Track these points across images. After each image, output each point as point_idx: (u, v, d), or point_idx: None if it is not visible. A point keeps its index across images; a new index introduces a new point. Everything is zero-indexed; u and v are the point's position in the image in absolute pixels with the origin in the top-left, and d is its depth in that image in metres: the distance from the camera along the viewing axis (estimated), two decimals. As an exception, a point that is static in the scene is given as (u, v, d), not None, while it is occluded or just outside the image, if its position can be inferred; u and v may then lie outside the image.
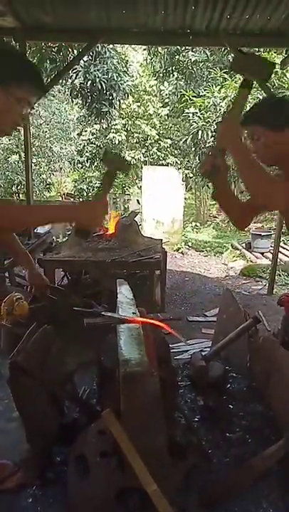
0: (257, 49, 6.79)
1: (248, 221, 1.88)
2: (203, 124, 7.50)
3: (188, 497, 1.42)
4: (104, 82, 6.94)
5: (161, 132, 11.68)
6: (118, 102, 7.60)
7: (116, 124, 10.65)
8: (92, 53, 6.62)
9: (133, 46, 9.58)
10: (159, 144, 11.52)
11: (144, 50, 10.01)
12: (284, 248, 7.11)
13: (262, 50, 6.88)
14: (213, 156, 1.61)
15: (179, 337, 1.74)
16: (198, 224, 10.35)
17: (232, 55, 5.66)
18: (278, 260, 5.12)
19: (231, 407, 2.09)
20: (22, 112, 1.35)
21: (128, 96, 8.22)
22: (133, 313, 1.68)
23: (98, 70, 6.85)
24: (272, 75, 1.63)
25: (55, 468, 1.69)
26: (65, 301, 2.24)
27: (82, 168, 12.18)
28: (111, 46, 6.91)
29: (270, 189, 1.45)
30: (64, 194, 12.67)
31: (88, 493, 1.42)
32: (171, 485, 1.37)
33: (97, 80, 6.86)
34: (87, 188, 12.01)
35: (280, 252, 5.96)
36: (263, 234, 7.32)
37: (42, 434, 1.67)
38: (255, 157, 1.60)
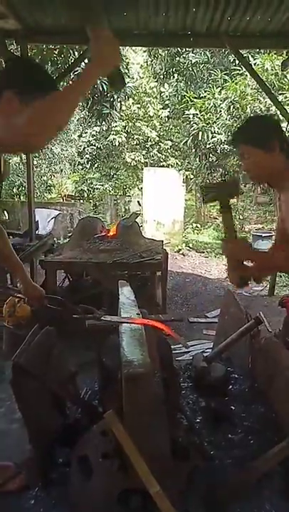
0: (258, 50, 6.82)
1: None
2: (203, 126, 7.51)
3: (191, 498, 1.42)
4: (105, 83, 6.95)
5: (161, 134, 11.70)
6: (119, 104, 7.61)
7: (116, 126, 10.67)
8: (93, 55, 6.63)
9: (133, 48, 9.59)
10: (160, 145, 11.54)
11: (145, 51, 10.04)
12: (285, 249, 7.11)
13: (262, 51, 6.90)
14: (234, 269, 1.72)
15: (178, 339, 1.73)
16: (198, 225, 10.35)
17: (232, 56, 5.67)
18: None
19: (233, 408, 2.09)
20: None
21: (129, 98, 8.23)
22: (137, 314, 1.68)
23: (99, 72, 6.86)
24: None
25: (57, 470, 1.68)
26: (64, 309, 2.24)
27: (82, 169, 12.20)
28: (112, 48, 6.93)
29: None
30: (65, 196, 12.68)
31: (91, 494, 1.42)
32: (174, 486, 1.37)
33: (98, 81, 6.87)
34: (87, 189, 12.03)
35: (281, 253, 5.95)
36: (263, 235, 7.32)
37: (44, 435, 1.66)
38: (247, 175, 1.73)
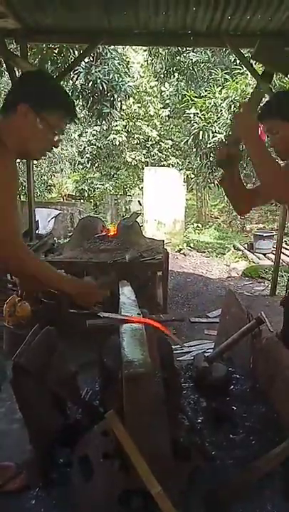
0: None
1: (249, 208, 1.93)
2: (204, 125, 7.50)
3: (192, 499, 1.41)
4: (105, 83, 6.93)
5: (162, 133, 11.69)
6: (119, 103, 7.60)
7: (117, 125, 10.66)
8: (93, 54, 6.62)
9: (134, 47, 9.58)
10: (160, 144, 11.53)
11: (145, 51, 10.02)
12: (286, 249, 7.10)
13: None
14: (229, 145, 1.65)
15: (175, 339, 1.73)
16: (199, 225, 10.34)
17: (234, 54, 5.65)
18: (280, 261, 5.11)
19: (234, 408, 2.08)
20: (54, 138, 1.37)
21: (129, 97, 8.22)
22: (138, 314, 1.68)
23: (99, 71, 6.85)
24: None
25: (58, 470, 1.68)
26: (59, 303, 2.23)
27: (83, 169, 12.20)
28: (112, 47, 6.91)
29: (280, 178, 1.50)
30: (65, 195, 12.69)
31: (92, 494, 1.41)
32: (175, 486, 1.37)
33: (99, 81, 6.86)
34: (88, 189, 12.02)
35: (283, 253, 5.95)
36: (265, 235, 7.31)
37: (45, 435, 1.66)
38: (273, 150, 1.65)
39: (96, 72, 6.84)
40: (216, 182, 8.27)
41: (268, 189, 1.65)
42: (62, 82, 4.69)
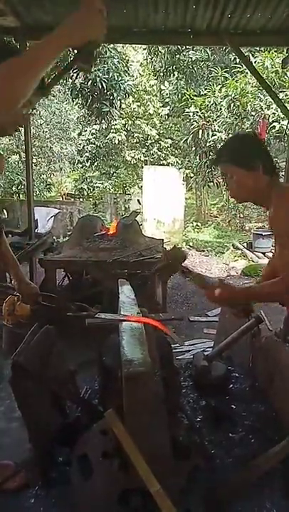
0: (258, 47, 6.79)
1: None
2: (203, 124, 7.50)
3: (191, 497, 1.41)
4: (104, 81, 6.93)
5: (161, 132, 11.68)
6: (119, 102, 7.59)
7: (116, 124, 10.65)
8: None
9: (133, 46, 9.57)
10: (160, 143, 11.52)
11: (145, 49, 10.01)
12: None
13: (263, 49, 6.88)
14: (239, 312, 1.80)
15: (174, 338, 1.73)
16: (199, 224, 10.34)
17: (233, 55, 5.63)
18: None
19: (234, 407, 2.08)
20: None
21: (128, 95, 8.22)
22: (137, 313, 1.67)
23: (99, 70, 6.84)
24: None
25: (57, 469, 1.68)
26: (58, 307, 2.23)
27: (82, 168, 12.19)
28: (111, 46, 6.90)
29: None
30: (64, 194, 12.67)
31: (91, 493, 1.41)
32: (175, 485, 1.37)
33: (98, 79, 6.86)
34: (87, 188, 12.01)
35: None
36: (264, 234, 7.30)
37: (44, 434, 1.66)
38: (230, 194, 1.71)
39: (95, 70, 6.83)
40: (215, 181, 8.27)
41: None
42: (61, 81, 4.68)
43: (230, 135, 6.79)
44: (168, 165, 10.91)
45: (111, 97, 7.27)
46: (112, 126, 10.69)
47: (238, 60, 7.10)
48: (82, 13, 1.09)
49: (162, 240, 4.35)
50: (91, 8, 1.10)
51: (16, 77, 1.00)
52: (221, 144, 1.66)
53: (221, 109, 7.38)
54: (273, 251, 2.09)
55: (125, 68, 7.87)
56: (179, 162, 10.68)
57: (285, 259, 1.55)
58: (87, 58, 1.17)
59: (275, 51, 6.77)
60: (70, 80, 7.12)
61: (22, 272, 1.99)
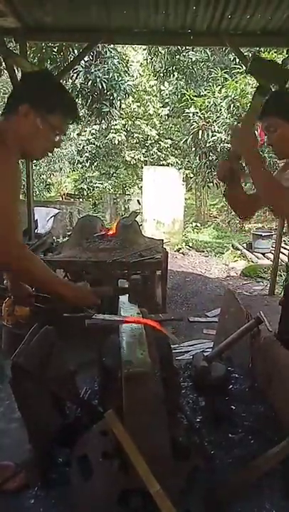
0: (257, 49, 6.80)
1: (252, 214, 1.96)
2: (203, 124, 7.50)
3: (191, 498, 1.41)
4: (104, 82, 6.93)
5: (161, 132, 11.69)
6: (119, 102, 7.59)
7: (116, 124, 10.65)
8: (93, 53, 6.62)
9: (133, 46, 9.57)
10: (160, 144, 11.53)
11: (145, 49, 10.01)
12: (285, 248, 7.10)
13: (263, 50, 6.88)
14: (230, 159, 1.66)
15: (171, 337, 1.73)
16: (198, 224, 10.35)
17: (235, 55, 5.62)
18: (279, 260, 5.11)
19: (233, 407, 2.08)
20: (55, 139, 1.38)
21: (128, 96, 8.22)
22: (137, 313, 1.68)
23: (99, 70, 6.84)
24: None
25: (57, 469, 1.68)
26: (53, 308, 2.23)
27: (82, 168, 12.20)
28: (112, 46, 6.90)
29: (278, 195, 1.50)
30: (64, 194, 12.67)
31: (91, 494, 1.41)
32: (174, 486, 1.37)
33: (98, 79, 6.85)
34: (87, 188, 12.02)
35: (281, 253, 5.96)
36: (263, 234, 7.31)
37: (44, 434, 1.66)
38: (271, 149, 1.67)
39: (95, 71, 6.84)
40: (214, 181, 8.27)
41: (267, 203, 1.70)
42: (61, 81, 4.68)
43: (230, 136, 6.79)
44: (168, 165, 10.91)
45: (111, 98, 7.26)
46: (112, 127, 10.69)
47: (237, 61, 7.10)
48: (83, 297, 1.54)
49: (162, 240, 4.34)
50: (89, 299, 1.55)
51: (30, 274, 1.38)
52: (265, 100, 1.62)
53: (220, 109, 7.38)
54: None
55: (125, 68, 7.87)
56: (179, 162, 10.69)
57: None
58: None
59: (275, 52, 6.78)
60: (70, 80, 7.12)
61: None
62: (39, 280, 1.41)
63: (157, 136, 11.44)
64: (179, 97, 9.30)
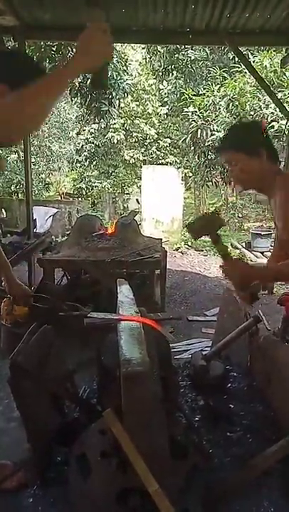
0: (257, 47, 6.80)
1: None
2: (202, 123, 7.49)
3: (190, 496, 1.42)
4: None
5: (160, 131, 11.68)
6: (117, 101, 7.59)
7: (115, 123, 10.64)
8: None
9: (132, 45, 9.56)
10: (158, 143, 11.52)
11: (143, 48, 10.00)
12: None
13: (261, 48, 6.88)
14: (242, 289, 1.73)
15: (167, 335, 1.73)
16: (197, 223, 10.33)
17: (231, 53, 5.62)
18: (278, 259, 5.11)
19: (232, 406, 2.09)
20: None
21: (127, 95, 8.21)
22: (136, 312, 1.68)
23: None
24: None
25: (55, 468, 1.68)
26: (50, 307, 2.23)
27: (80, 167, 12.19)
28: (110, 45, 6.90)
29: None
30: (63, 193, 12.66)
31: (89, 493, 1.41)
32: (173, 485, 1.37)
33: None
34: (86, 187, 12.00)
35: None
36: (262, 233, 7.31)
37: (42, 433, 1.66)
38: (234, 181, 1.69)
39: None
40: (213, 180, 8.28)
41: None
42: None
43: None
44: (167, 164, 10.90)
45: (110, 97, 7.26)
46: (111, 126, 10.68)
47: (236, 60, 7.09)
48: (89, 37, 1.14)
49: (161, 239, 4.35)
50: (96, 32, 1.15)
51: (39, 101, 1.05)
52: (223, 135, 1.64)
53: (219, 108, 7.37)
54: (273, 245, 2.09)
55: (124, 67, 7.86)
56: (178, 161, 10.68)
57: None
58: (102, 78, 1.24)
59: (273, 51, 6.77)
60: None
61: (13, 273, 1.97)
62: (41, 91, 1.08)
63: (156, 135, 11.43)
64: (177, 96, 9.29)
